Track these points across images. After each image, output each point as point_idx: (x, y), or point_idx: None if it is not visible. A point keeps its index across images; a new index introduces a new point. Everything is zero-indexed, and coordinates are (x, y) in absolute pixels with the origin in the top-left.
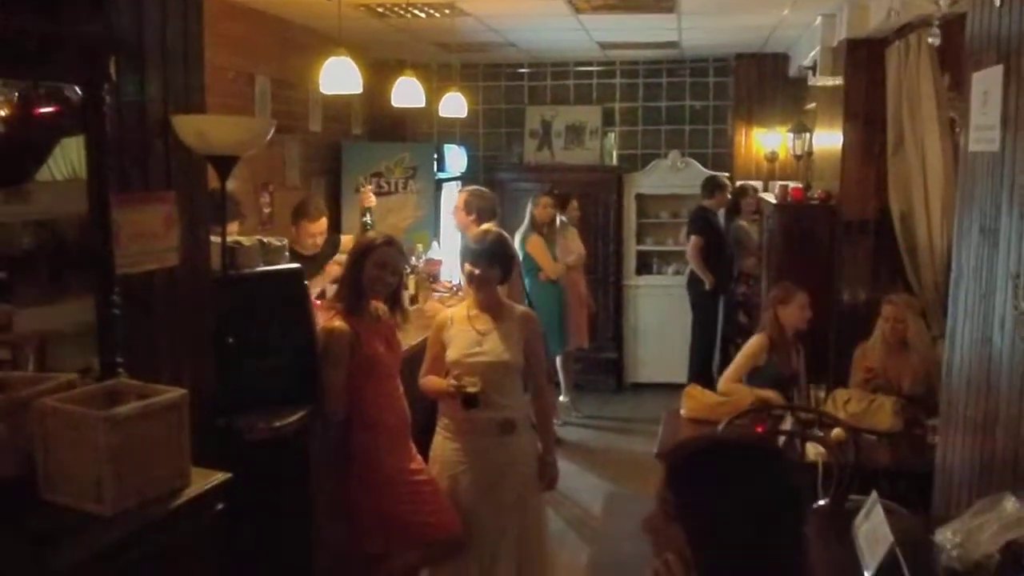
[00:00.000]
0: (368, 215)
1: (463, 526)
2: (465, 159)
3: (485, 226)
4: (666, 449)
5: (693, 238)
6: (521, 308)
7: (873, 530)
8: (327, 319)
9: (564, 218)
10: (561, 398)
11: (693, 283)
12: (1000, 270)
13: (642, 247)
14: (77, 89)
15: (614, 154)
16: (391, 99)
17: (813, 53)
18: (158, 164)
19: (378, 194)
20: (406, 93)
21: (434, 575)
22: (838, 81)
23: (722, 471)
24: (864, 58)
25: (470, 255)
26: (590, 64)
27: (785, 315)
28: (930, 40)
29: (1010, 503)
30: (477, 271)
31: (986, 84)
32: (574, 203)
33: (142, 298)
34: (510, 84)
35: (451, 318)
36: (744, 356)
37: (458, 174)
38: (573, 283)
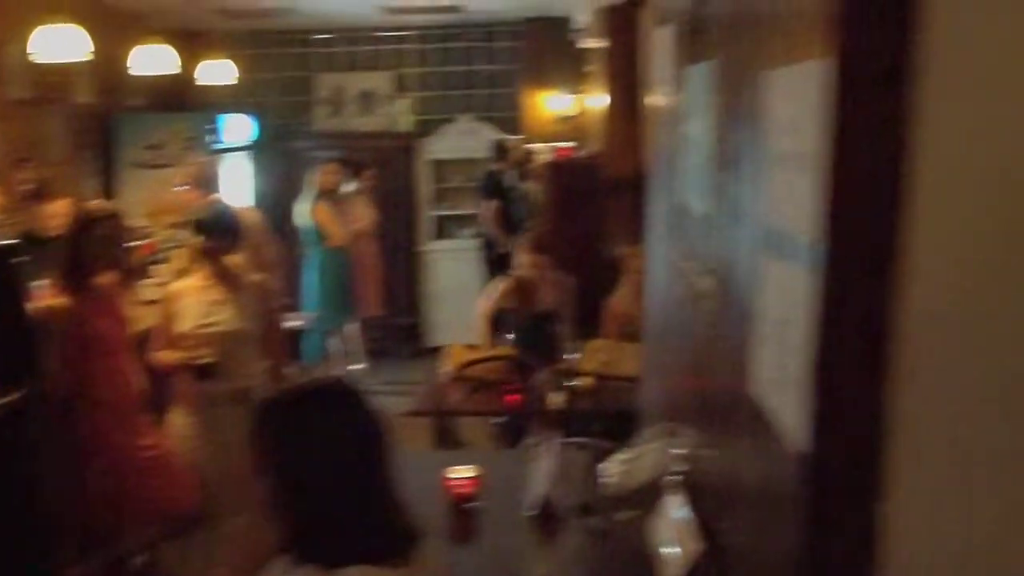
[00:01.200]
0: None
1: (200, 499)
2: (253, 128)
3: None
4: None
5: (490, 203)
6: (256, 276)
7: (543, 467)
8: (48, 297)
9: (357, 185)
10: (359, 366)
11: (486, 245)
12: (668, 214)
13: (438, 212)
14: None
15: (409, 120)
16: (141, 66)
17: (586, 16)
18: None
19: (154, 167)
20: (150, 60)
21: (172, 549)
22: (605, 43)
23: (298, 415)
24: (622, 20)
25: (197, 227)
26: (381, 30)
27: None
28: None
29: (669, 434)
30: (206, 243)
31: (664, 41)
32: (368, 172)
33: None
34: (302, 51)
35: (181, 291)
36: (490, 295)
37: (245, 144)
38: (362, 251)
